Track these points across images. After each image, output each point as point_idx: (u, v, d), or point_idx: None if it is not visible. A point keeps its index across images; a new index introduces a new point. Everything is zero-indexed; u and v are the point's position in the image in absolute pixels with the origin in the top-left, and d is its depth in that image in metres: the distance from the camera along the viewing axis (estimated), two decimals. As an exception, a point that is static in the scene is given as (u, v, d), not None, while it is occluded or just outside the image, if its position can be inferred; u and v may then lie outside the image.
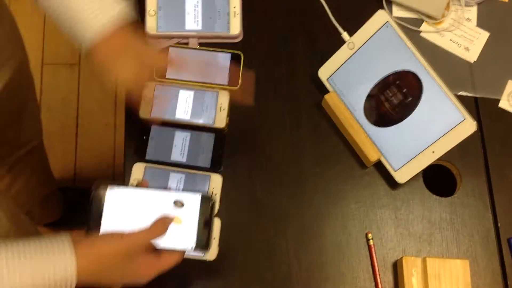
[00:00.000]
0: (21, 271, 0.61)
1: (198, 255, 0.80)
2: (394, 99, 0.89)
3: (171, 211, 0.71)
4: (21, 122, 1.15)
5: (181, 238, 0.71)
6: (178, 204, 0.72)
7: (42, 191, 1.40)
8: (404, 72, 0.87)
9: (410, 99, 0.87)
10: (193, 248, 0.71)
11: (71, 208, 1.55)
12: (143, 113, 0.92)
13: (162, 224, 0.70)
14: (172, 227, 0.70)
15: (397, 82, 0.88)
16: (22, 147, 1.22)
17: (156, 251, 0.71)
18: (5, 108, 1.03)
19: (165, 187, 0.77)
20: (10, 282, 0.60)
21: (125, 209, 0.70)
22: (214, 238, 0.76)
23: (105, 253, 0.66)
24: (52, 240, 0.64)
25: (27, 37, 1.05)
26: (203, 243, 0.71)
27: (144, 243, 0.69)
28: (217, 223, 0.88)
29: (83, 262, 0.64)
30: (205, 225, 0.71)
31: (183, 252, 0.72)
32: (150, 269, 0.70)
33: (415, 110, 0.87)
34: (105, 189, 0.72)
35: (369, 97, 0.90)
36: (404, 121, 0.88)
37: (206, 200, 0.72)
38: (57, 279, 0.62)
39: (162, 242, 0.70)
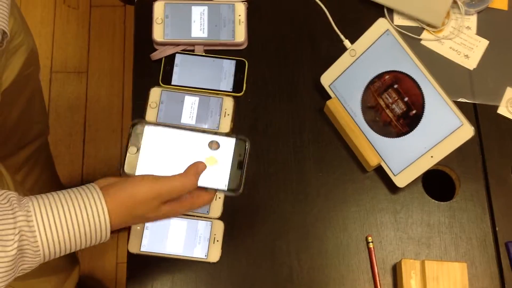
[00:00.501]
0: (55, 222, 0.61)
1: (229, 195, 0.77)
2: (396, 107, 0.90)
3: (206, 151, 0.73)
4: (31, 114, 1.18)
5: (215, 178, 0.72)
6: (214, 144, 0.73)
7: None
8: (402, 75, 0.89)
9: (414, 111, 0.89)
10: (226, 188, 0.72)
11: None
12: (149, 118, 0.95)
13: (194, 173, 0.70)
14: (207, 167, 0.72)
15: (396, 85, 0.90)
16: (32, 142, 1.24)
17: None
18: (19, 96, 1.06)
19: (200, 128, 0.78)
20: (46, 234, 0.61)
21: (161, 147, 0.71)
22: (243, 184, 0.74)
23: (136, 196, 0.66)
24: (79, 189, 0.65)
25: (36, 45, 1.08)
26: (235, 184, 0.73)
27: (176, 192, 0.69)
28: (220, 225, 0.90)
29: (114, 205, 0.65)
30: (238, 167, 0.73)
31: (215, 191, 0.73)
32: (181, 206, 0.71)
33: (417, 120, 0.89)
34: (143, 127, 0.72)
35: (369, 106, 0.92)
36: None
37: (241, 143, 0.73)
38: (91, 224, 0.63)
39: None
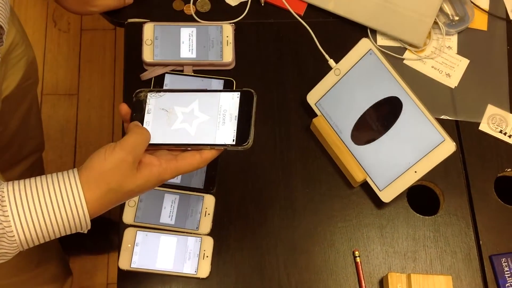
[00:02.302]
0: (30, 207, 0.60)
1: (238, 149, 0.72)
2: (377, 121, 0.93)
3: (209, 111, 0.72)
4: (28, 128, 1.19)
5: (221, 134, 0.70)
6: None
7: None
8: (387, 98, 0.92)
9: (392, 120, 0.92)
10: (234, 142, 0.70)
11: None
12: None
13: (137, 124, 0.70)
14: (207, 124, 0.71)
15: (380, 107, 0.93)
16: (27, 158, 1.26)
17: (173, 153, 0.70)
18: (17, 107, 1.07)
19: (203, 89, 0.75)
20: (20, 220, 0.60)
21: (165, 112, 0.70)
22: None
23: (103, 167, 0.64)
24: (58, 174, 0.64)
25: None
26: (243, 138, 0.70)
27: (137, 146, 0.66)
28: (209, 241, 0.91)
29: (89, 188, 0.63)
30: (246, 120, 0.71)
31: (206, 154, 0.70)
32: (163, 172, 0.68)
33: (397, 132, 0.91)
34: (146, 95, 0.73)
35: (354, 118, 0.95)
36: (387, 142, 0.92)
37: (247, 96, 0.71)
38: (66, 209, 0.61)
39: (202, 139, 0.70)
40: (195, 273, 0.90)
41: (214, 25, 1.04)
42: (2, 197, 0.60)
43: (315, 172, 0.98)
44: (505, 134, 1.01)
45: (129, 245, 0.90)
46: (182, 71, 1.02)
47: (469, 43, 1.07)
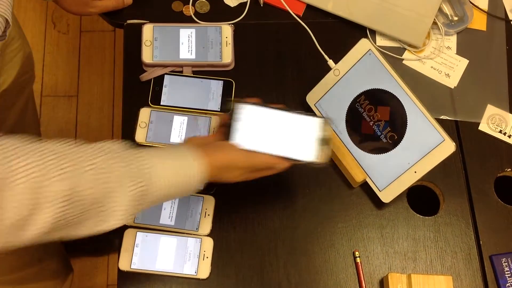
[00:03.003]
0: (166, 170, 0.69)
1: (316, 166, 0.84)
2: (380, 125, 0.93)
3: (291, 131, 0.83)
4: (24, 124, 1.19)
5: (303, 151, 0.82)
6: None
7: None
8: (385, 94, 0.92)
9: (397, 129, 0.91)
10: (313, 160, 0.82)
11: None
12: (138, 138, 0.97)
13: (284, 161, 0.81)
14: (292, 141, 0.83)
15: (379, 104, 0.92)
16: None
17: None
18: (14, 103, 1.07)
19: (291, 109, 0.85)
20: (160, 180, 0.68)
21: (255, 124, 0.82)
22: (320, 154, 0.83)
23: (232, 162, 0.77)
24: (186, 150, 0.74)
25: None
26: (317, 157, 0.82)
27: (262, 167, 0.80)
28: (209, 242, 0.91)
29: (211, 166, 0.74)
30: (324, 142, 0.83)
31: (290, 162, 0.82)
32: (256, 174, 0.81)
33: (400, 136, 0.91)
34: (242, 106, 0.82)
35: (353, 118, 0.95)
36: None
37: (325, 122, 0.83)
38: (191, 179, 0.72)
39: (287, 153, 0.82)
40: (195, 274, 0.89)
41: (213, 26, 1.04)
42: (144, 160, 0.68)
43: (314, 172, 0.97)
44: (504, 134, 1.01)
45: (129, 246, 0.90)
46: (181, 72, 1.02)
47: (468, 43, 1.07)
